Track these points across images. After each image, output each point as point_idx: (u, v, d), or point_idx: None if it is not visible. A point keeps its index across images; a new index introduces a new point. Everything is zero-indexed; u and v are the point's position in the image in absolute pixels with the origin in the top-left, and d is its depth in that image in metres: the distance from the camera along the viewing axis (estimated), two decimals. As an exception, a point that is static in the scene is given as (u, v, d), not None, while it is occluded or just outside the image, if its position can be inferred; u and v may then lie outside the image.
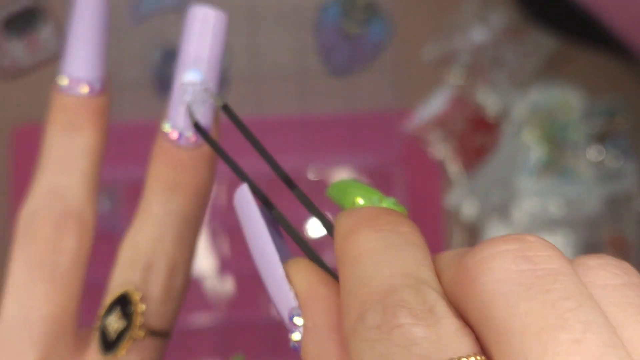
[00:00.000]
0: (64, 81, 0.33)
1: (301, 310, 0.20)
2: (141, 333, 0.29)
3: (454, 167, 0.70)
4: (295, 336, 0.21)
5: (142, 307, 0.29)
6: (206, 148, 0.31)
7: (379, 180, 0.70)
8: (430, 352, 0.16)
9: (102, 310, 0.29)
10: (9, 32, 0.71)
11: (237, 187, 0.24)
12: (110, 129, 0.71)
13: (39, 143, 0.72)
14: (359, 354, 0.17)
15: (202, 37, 0.30)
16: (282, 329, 0.68)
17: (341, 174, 0.70)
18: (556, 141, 0.69)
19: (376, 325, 0.17)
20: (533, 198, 0.69)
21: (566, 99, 0.70)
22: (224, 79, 0.71)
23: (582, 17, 0.61)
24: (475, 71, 0.71)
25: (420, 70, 0.71)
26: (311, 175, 0.69)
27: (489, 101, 0.71)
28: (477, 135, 0.70)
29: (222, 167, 0.76)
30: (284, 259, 0.22)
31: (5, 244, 0.73)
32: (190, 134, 0.30)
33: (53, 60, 0.71)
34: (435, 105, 0.71)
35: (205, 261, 0.69)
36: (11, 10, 0.71)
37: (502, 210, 0.70)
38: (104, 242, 0.72)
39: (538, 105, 0.70)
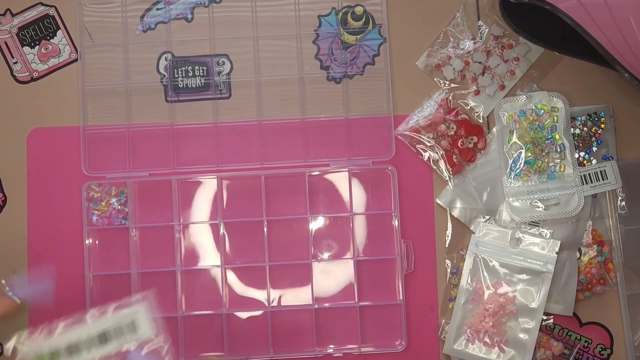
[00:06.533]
0: None
1: None
2: None
3: (445, 168, 0.72)
4: None
5: None
6: None
7: (374, 180, 0.72)
8: None
9: None
10: (22, 39, 0.73)
11: None
12: (120, 131, 0.74)
13: (51, 145, 0.75)
14: None
15: None
16: (281, 317, 0.70)
17: (338, 175, 0.71)
18: (542, 144, 0.70)
19: None
20: (520, 197, 0.70)
21: (551, 104, 0.70)
22: (227, 85, 0.72)
23: (564, 29, 0.62)
24: (466, 77, 0.72)
25: (413, 76, 0.72)
26: (310, 176, 0.71)
27: (478, 106, 0.72)
28: (467, 138, 0.71)
29: (225, 168, 0.79)
30: None
31: (25, 237, 0.76)
32: None
33: (65, 66, 0.72)
34: (427, 109, 0.72)
35: (211, 256, 0.70)
36: (25, 18, 0.73)
37: (491, 209, 0.71)
38: (118, 233, 0.75)
39: (525, 109, 0.71)
